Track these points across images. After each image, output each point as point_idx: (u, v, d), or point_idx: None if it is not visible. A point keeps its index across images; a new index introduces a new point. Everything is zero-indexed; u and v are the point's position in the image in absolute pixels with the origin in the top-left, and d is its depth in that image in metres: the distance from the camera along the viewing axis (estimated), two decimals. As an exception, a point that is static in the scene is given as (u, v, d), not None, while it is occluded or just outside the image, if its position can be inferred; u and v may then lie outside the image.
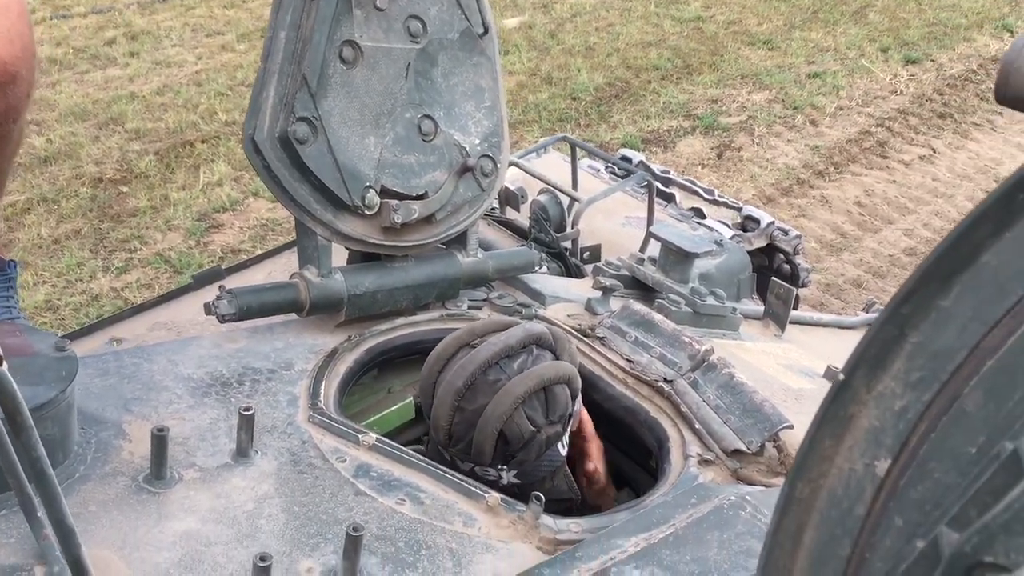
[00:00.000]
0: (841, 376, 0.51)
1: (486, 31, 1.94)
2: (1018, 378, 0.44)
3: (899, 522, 0.48)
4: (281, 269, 2.64)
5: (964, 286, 0.47)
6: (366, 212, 1.82)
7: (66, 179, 4.93)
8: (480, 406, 1.57)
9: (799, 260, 3.04)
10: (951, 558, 0.41)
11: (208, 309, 1.75)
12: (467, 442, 1.60)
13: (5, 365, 0.87)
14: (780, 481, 1.62)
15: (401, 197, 1.85)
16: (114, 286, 4.20)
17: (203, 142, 5.35)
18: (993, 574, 0.39)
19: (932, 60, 7.05)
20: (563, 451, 1.68)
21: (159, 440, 1.37)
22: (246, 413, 1.46)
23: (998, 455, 0.42)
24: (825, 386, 2.15)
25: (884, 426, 0.49)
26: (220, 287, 1.77)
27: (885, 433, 0.49)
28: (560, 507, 1.67)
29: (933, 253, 0.47)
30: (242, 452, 1.48)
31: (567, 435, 1.68)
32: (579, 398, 1.70)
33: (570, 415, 1.67)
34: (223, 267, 2.52)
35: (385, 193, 1.84)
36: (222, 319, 1.74)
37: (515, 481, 1.62)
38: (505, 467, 1.61)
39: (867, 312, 2.96)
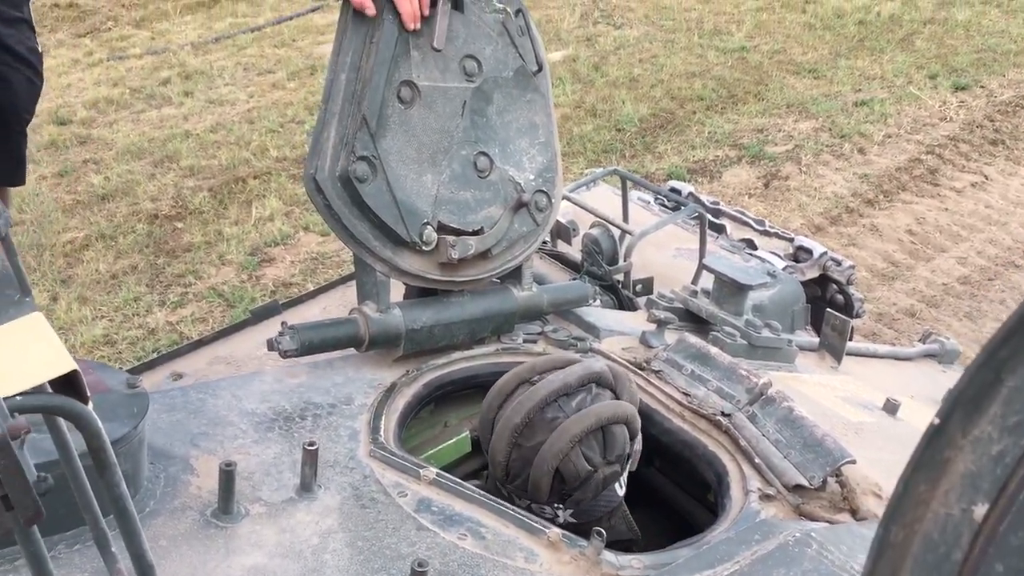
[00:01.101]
0: (936, 421, 0.51)
1: (540, 69, 1.97)
2: (1121, 424, 0.44)
3: (1000, 568, 0.48)
4: (336, 303, 2.68)
5: (1062, 330, 0.47)
6: (424, 248, 1.84)
7: (123, 216, 5.05)
8: (537, 443, 1.57)
9: (852, 290, 3.01)
10: None
11: (271, 345, 1.78)
12: (524, 479, 1.60)
13: (91, 404, 0.90)
14: (844, 517, 1.60)
15: (458, 233, 1.88)
16: (170, 320, 4.29)
17: (255, 178, 5.46)
18: None
19: (982, 86, 6.97)
20: (621, 491, 1.67)
21: (227, 475, 1.39)
22: (310, 448, 1.48)
23: None
24: (885, 419, 2.12)
25: (981, 471, 0.49)
26: (282, 323, 1.80)
27: (982, 478, 0.49)
28: (619, 547, 1.66)
29: (1029, 298, 0.47)
30: (306, 487, 1.50)
31: (625, 475, 1.67)
32: (639, 437, 1.70)
33: (629, 455, 1.66)
34: (280, 302, 2.57)
35: (442, 229, 1.86)
36: (284, 355, 1.77)
37: (571, 520, 1.61)
38: (561, 506, 1.61)
39: (923, 343, 2.91)
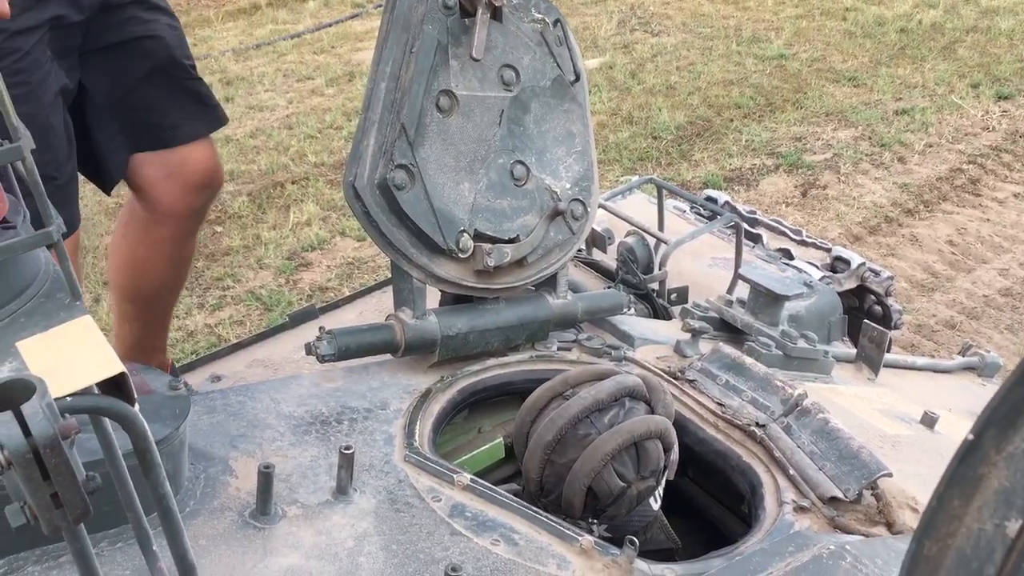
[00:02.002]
0: (970, 436, 0.51)
1: (577, 78, 1.98)
2: None
3: (1033, 584, 0.48)
4: (372, 308, 2.71)
5: (1098, 349, 0.47)
6: (460, 256, 1.86)
7: (164, 219, 5.13)
8: (570, 460, 1.58)
9: (891, 302, 2.98)
10: None
11: (308, 349, 1.81)
12: (558, 495, 1.61)
13: (137, 406, 0.92)
14: (879, 531, 1.59)
15: (494, 241, 1.89)
16: (208, 323, 4.35)
17: (293, 183, 5.52)
18: None
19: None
20: (656, 504, 1.66)
21: (265, 477, 1.42)
22: (347, 452, 1.50)
23: None
24: (923, 432, 2.10)
25: (1015, 487, 0.50)
26: (320, 328, 1.82)
27: (1016, 494, 0.50)
28: (659, 556, 1.66)
29: (1065, 316, 0.48)
30: (342, 490, 1.52)
31: (661, 488, 1.67)
32: (675, 448, 1.70)
33: (665, 467, 1.66)
34: (317, 306, 2.60)
35: (479, 237, 1.88)
36: (322, 359, 1.79)
37: (606, 535, 1.61)
38: (596, 521, 1.61)
39: (963, 355, 2.87)
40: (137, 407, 0.93)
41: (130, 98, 2.40)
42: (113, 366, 0.87)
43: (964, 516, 0.52)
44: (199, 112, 2.58)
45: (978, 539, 0.51)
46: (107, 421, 1.00)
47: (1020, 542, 0.49)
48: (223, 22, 8.36)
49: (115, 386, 0.91)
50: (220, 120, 2.66)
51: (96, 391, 0.90)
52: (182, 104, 2.52)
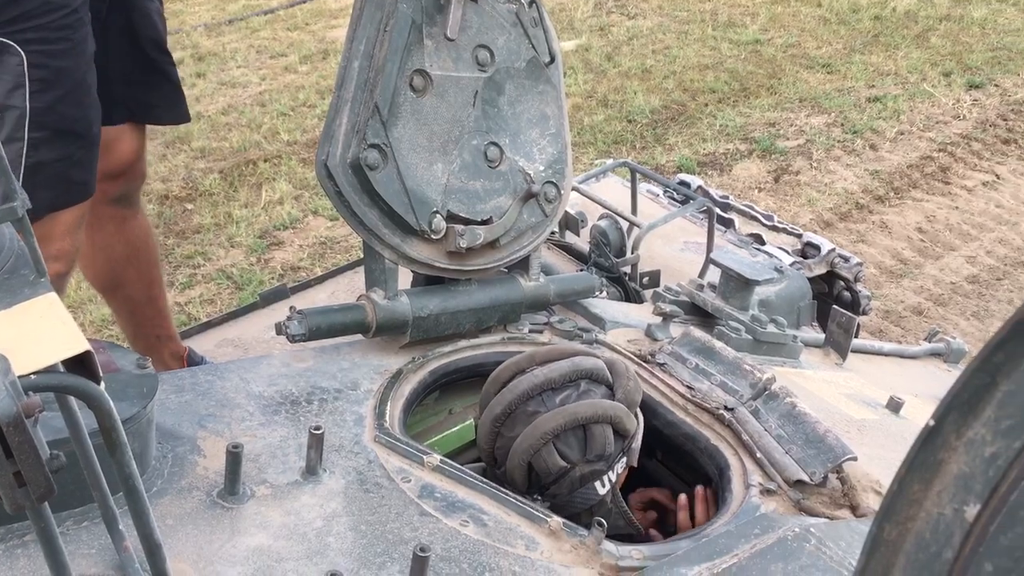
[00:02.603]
0: (932, 422, 0.52)
1: (552, 60, 1.97)
2: (1111, 430, 0.45)
3: (989, 568, 0.49)
4: (344, 289, 2.70)
5: (1057, 336, 0.48)
6: (433, 236, 1.85)
7: (134, 196, 5.07)
8: (516, 435, 1.60)
9: (860, 288, 3.01)
10: None
11: (279, 329, 1.80)
12: (504, 469, 1.63)
13: (103, 384, 0.91)
14: (844, 513, 1.61)
15: (467, 222, 1.89)
16: (178, 301, 4.31)
17: (265, 161, 5.47)
18: None
19: (996, 85, 6.94)
20: (602, 489, 1.66)
21: (234, 457, 1.41)
22: (316, 432, 1.49)
23: None
24: (888, 417, 2.13)
25: (974, 472, 0.50)
26: (291, 308, 1.81)
27: (975, 479, 0.50)
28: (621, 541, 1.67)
29: (1026, 304, 0.48)
30: (311, 470, 1.52)
31: (614, 474, 1.67)
32: (638, 435, 1.70)
33: (622, 452, 1.66)
34: (288, 286, 2.59)
35: (451, 218, 1.87)
36: (292, 339, 1.78)
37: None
38: (540, 497, 1.62)
39: (929, 341, 2.91)
40: (103, 386, 0.92)
41: (110, 69, 2.37)
42: (78, 344, 0.86)
43: (924, 500, 0.52)
44: (176, 99, 2.58)
45: (937, 523, 0.52)
46: (73, 400, 0.99)
47: (978, 527, 0.50)
48: (195, -4, 8.24)
49: (80, 364, 0.90)
50: (187, 116, 2.66)
51: (61, 369, 0.89)
52: (163, 88, 2.53)
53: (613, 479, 1.68)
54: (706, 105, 6.42)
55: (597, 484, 1.65)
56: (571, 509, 1.64)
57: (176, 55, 6.77)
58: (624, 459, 1.69)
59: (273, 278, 4.43)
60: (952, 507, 0.51)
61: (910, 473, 0.52)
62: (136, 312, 2.77)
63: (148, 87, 2.50)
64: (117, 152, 2.50)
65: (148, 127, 2.66)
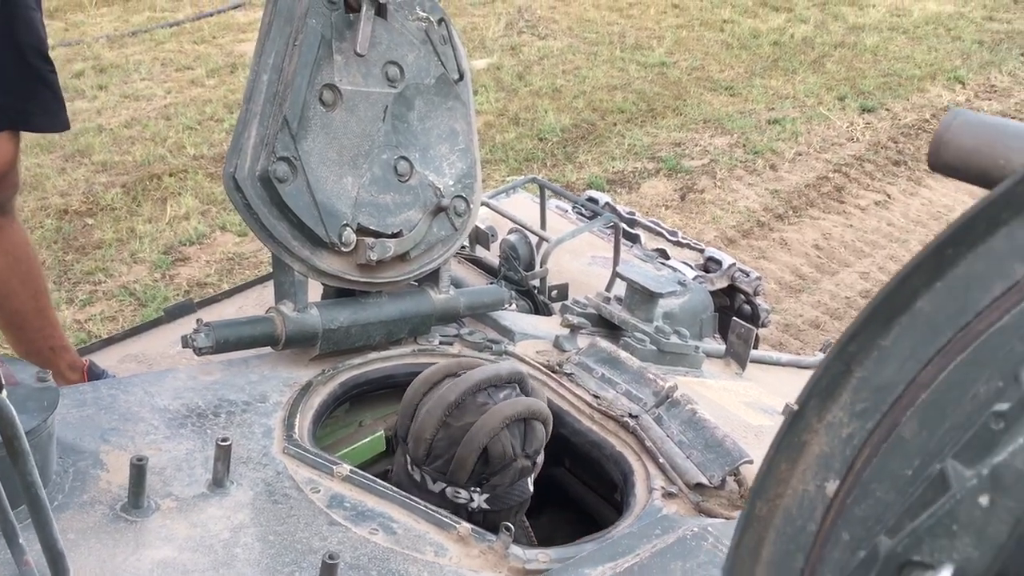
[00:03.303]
0: (795, 406, 0.57)
1: (461, 77, 2.01)
2: (948, 409, 0.51)
3: (846, 536, 0.54)
4: (252, 303, 2.68)
5: (902, 328, 0.54)
6: (343, 249, 1.87)
7: (31, 211, 4.91)
8: (466, 424, 1.62)
9: (759, 301, 3.13)
10: (885, 559, 0.47)
11: (185, 342, 1.78)
12: (446, 460, 1.64)
13: (4, 392, 0.91)
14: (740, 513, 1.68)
15: (377, 235, 1.91)
16: (78, 318, 4.19)
17: (171, 175, 5.36)
18: (920, 571, 0.45)
19: (887, 109, 7.29)
20: (530, 488, 1.71)
21: (138, 469, 1.40)
22: (223, 444, 1.49)
23: (930, 476, 0.48)
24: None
25: (833, 451, 0.56)
26: (197, 320, 1.80)
27: (834, 458, 0.56)
28: None
29: (875, 298, 0.54)
30: (218, 482, 1.51)
31: (533, 476, 1.72)
32: (543, 448, 1.75)
33: (540, 455, 1.71)
34: (194, 300, 2.55)
35: (361, 231, 1.89)
36: (199, 352, 1.77)
37: (485, 507, 1.65)
38: (478, 489, 1.65)
39: (825, 352, 3.05)
40: (4, 394, 0.91)
41: None
42: (-22, 351, 0.86)
43: (791, 479, 0.57)
44: (56, 108, 2.53)
45: (802, 499, 0.57)
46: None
47: (837, 500, 0.55)
48: (97, 7, 8.03)
49: (-21, 373, 0.89)
50: (63, 124, 2.61)
51: (-41, 378, 0.88)
52: (42, 96, 2.48)
53: (531, 481, 1.72)
54: (615, 124, 6.57)
55: (527, 481, 1.69)
56: (508, 502, 1.67)
57: (76, 67, 6.55)
58: (536, 467, 1.73)
59: (178, 294, 4.34)
60: (815, 484, 0.56)
61: (778, 454, 0.57)
62: (25, 325, 2.69)
63: (27, 95, 2.45)
64: None
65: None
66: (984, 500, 0.43)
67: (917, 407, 0.52)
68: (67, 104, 2.64)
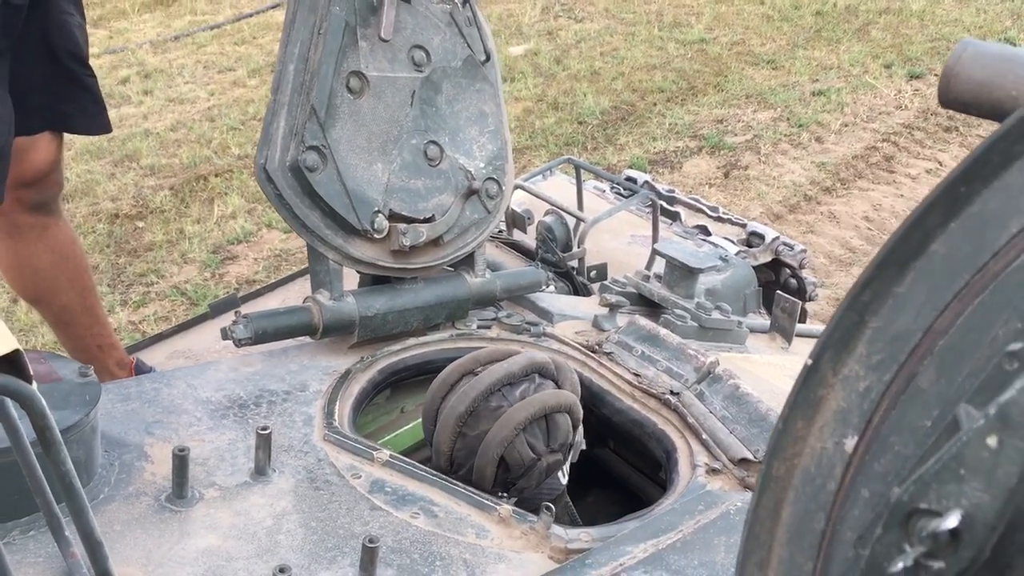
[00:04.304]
0: (809, 361, 0.55)
1: (488, 58, 2.00)
2: (966, 354, 0.48)
3: (865, 494, 0.52)
4: (295, 296, 2.70)
5: (917, 273, 0.51)
6: (375, 236, 1.87)
7: (83, 216, 5.01)
8: (482, 432, 1.60)
9: (805, 274, 3.07)
10: (893, 507, 0.44)
11: (225, 334, 1.80)
12: (468, 468, 1.63)
13: (35, 384, 0.92)
14: (787, 488, 1.65)
15: (409, 221, 1.91)
16: (132, 319, 4.27)
17: (216, 176, 5.44)
18: (927, 518, 0.43)
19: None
20: (563, 479, 1.70)
21: (180, 460, 1.41)
22: (263, 433, 1.50)
23: (947, 424, 0.46)
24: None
25: (850, 406, 0.53)
26: (236, 312, 1.82)
27: (851, 413, 0.53)
28: None
29: (888, 243, 0.52)
30: (260, 471, 1.52)
31: (568, 464, 1.70)
32: (580, 428, 1.73)
33: (571, 444, 1.69)
34: (238, 296, 2.58)
35: (393, 217, 1.89)
36: (238, 343, 1.79)
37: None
38: (505, 494, 1.63)
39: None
40: (35, 385, 0.93)
41: (28, 80, 2.36)
42: (6, 343, 0.87)
43: (808, 436, 0.55)
44: (96, 111, 2.57)
45: (820, 457, 0.55)
46: (11, 407, 0.99)
47: (856, 457, 0.53)
48: (139, 14, 8.16)
49: (11, 365, 0.90)
50: (105, 127, 2.64)
51: (-9, 370, 0.89)
52: (81, 99, 2.52)
53: (567, 469, 1.71)
54: (655, 104, 6.49)
55: (559, 474, 1.67)
56: (537, 502, 1.64)
57: (122, 73, 6.66)
58: (573, 450, 1.71)
59: (228, 292, 4.40)
60: (833, 440, 0.54)
61: (793, 411, 0.55)
62: (73, 323, 2.74)
63: (64, 97, 2.50)
64: (33, 160, 2.49)
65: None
66: (992, 441, 0.41)
67: (935, 355, 0.50)
68: (114, 110, 2.68)
